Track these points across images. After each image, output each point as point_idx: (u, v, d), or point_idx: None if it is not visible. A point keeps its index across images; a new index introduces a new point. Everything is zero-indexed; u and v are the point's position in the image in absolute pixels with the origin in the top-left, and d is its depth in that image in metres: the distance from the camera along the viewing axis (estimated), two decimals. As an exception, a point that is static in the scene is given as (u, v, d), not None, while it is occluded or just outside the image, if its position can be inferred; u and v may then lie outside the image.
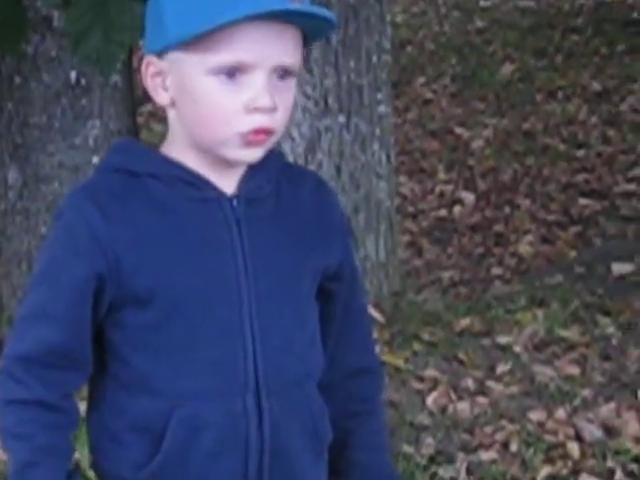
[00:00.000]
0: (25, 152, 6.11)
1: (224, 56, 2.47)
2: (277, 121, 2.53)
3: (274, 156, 2.71)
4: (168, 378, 2.61)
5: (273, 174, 2.70)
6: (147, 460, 2.62)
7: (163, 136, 2.68)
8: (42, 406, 2.60)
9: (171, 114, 2.64)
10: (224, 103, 2.50)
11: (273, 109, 2.48)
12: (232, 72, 2.48)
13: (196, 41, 2.47)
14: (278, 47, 2.50)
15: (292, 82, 2.56)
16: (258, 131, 2.50)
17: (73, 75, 5.98)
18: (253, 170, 2.65)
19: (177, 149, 2.65)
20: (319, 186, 2.84)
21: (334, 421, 2.83)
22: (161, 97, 2.61)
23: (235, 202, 2.63)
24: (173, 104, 2.60)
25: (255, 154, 2.56)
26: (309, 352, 2.75)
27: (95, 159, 6.09)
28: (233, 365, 2.62)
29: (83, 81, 5.97)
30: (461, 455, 5.26)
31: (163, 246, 2.60)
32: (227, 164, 2.62)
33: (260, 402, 2.62)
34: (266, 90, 2.47)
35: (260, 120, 2.49)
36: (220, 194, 2.62)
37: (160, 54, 2.56)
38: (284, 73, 2.52)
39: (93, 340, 2.64)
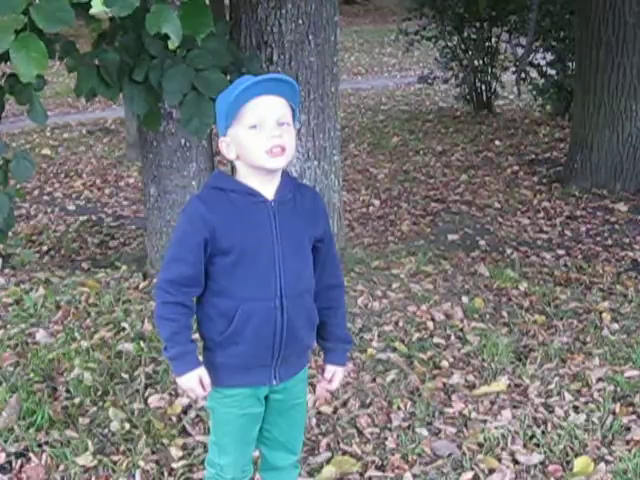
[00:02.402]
0: (159, 179, 6.07)
1: (251, 118, 2.65)
2: (286, 142, 2.67)
3: (292, 179, 2.89)
4: (237, 289, 2.72)
5: (292, 188, 2.84)
6: (224, 330, 2.74)
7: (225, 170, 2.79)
8: (181, 304, 2.72)
9: (237, 163, 2.77)
10: (257, 140, 2.66)
11: (281, 136, 2.64)
12: (256, 125, 2.64)
13: (237, 119, 2.67)
14: (275, 109, 2.66)
15: (289, 127, 2.70)
16: (276, 146, 2.65)
17: (183, 141, 5.94)
18: (282, 186, 2.79)
19: (242, 177, 2.76)
20: (314, 194, 2.99)
21: (319, 312, 2.92)
22: (231, 155, 2.75)
23: (273, 203, 2.77)
24: (238, 157, 2.73)
25: (279, 163, 2.69)
26: (308, 277, 2.87)
27: (194, 183, 6.04)
28: (269, 284, 2.74)
29: (188, 144, 5.94)
30: (374, 328, 5.25)
31: (237, 224, 2.71)
32: (268, 177, 2.73)
33: (282, 303, 2.75)
34: (274, 128, 2.64)
35: (276, 141, 2.64)
36: (265, 199, 2.76)
37: (225, 134, 2.72)
38: (283, 122, 2.67)
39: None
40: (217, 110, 2.76)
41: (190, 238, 2.71)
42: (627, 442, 4.00)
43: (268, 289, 2.73)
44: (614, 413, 4.26)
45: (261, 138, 2.65)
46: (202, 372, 2.77)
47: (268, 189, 2.75)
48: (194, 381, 2.76)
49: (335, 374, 3.04)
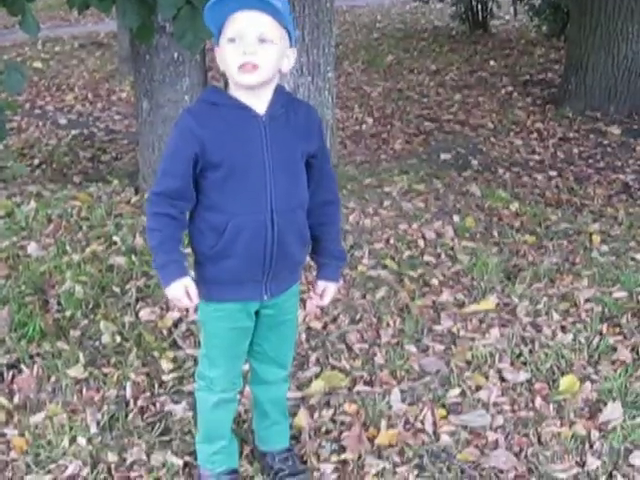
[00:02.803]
0: (151, 93, 6.04)
1: (230, 32, 2.60)
2: (258, 60, 2.61)
3: (285, 93, 2.85)
4: (227, 204, 2.70)
5: (284, 103, 2.80)
6: (215, 244, 2.73)
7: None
8: (168, 216, 2.70)
9: (227, 76, 2.72)
10: (232, 55, 2.62)
11: (255, 53, 2.59)
12: (235, 39, 2.59)
13: (222, 31, 2.63)
14: (257, 25, 2.60)
15: (270, 45, 2.63)
16: (247, 64, 2.60)
17: (176, 55, 5.90)
18: (274, 100, 2.75)
19: (233, 92, 2.73)
20: (309, 109, 2.93)
21: (314, 228, 2.92)
22: (221, 67, 2.73)
23: (264, 118, 2.73)
24: (225, 70, 2.71)
25: (250, 79, 2.64)
26: (300, 193, 2.84)
27: (186, 97, 6.01)
28: (260, 198, 2.71)
29: (181, 58, 5.90)
30: (365, 245, 5.25)
31: (227, 139, 2.69)
32: (254, 92, 2.70)
33: (273, 217, 2.72)
34: (250, 45, 2.58)
35: (248, 58, 2.60)
36: (257, 114, 2.72)
37: (218, 44, 2.68)
38: (264, 39, 2.61)
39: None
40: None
41: (181, 152, 2.68)
42: (613, 362, 4.03)
43: (258, 204, 2.71)
44: (601, 333, 4.28)
45: (236, 53, 2.61)
46: (188, 282, 2.76)
47: (259, 104, 2.71)
48: (180, 290, 2.75)
49: (326, 289, 3.03)
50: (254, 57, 2.60)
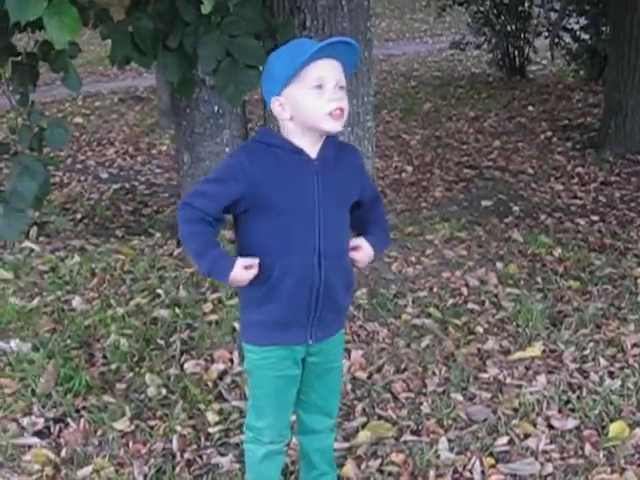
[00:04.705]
0: (192, 146, 6.11)
1: (315, 79, 2.66)
2: (344, 104, 2.70)
3: (334, 139, 2.86)
4: (276, 245, 2.75)
5: (334, 147, 2.85)
6: (262, 287, 2.78)
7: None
8: (203, 221, 2.74)
9: (288, 123, 2.77)
10: (318, 102, 2.67)
11: (342, 98, 2.67)
12: (319, 86, 2.65)
13: (296, 79, 2.66)
14: (337, 72, 2.69)
15: (344, 91, 2.72)
16: (338, 108, 2.67)
17: (216, 108, 5.97)
18: (325, 146, 2.80)
19: (288, 135, 2.78)
20: (354, 152, 3.01)
21: (363, 226, 3.01)
22: (284, 116, 2.76)
23: (317, 162, 2.79)
24: (291, 118, 2.74)
25: (338, 126, 2.71)
26: (346, 238, 2.91)
27: (227, 149, 6.08)
28: (308, 241, 2.77)
29: (221, 111, 5.97)
30: (409, 294, 5.26)
31: (279, 179, 2.74)
32: (321, 138, 2.77)
33: (320, 260, 2.77)
34: (335, 92, 2.67)
35: (337, 104, 2.67)
36: (309, 157, 2.78)
37: (279, 94, 2.72)
38: (340, 86, 2.70)
39: (238, 230, 2.83)
40: (271, 70, 2.76)
41: (225, 183, 2.71)
42: (663, 407, 4.00)
43: (307, 246, 2.75)
44: (649, 378, 4.26)
45: (323, 100, 2.66)
46: (239, 261, 2.73)
47: (312, 148, 2.77)
48: (240, 274, 2.72)
49: (361, 246, 2.93)
50: (342, 102, 2.69)
